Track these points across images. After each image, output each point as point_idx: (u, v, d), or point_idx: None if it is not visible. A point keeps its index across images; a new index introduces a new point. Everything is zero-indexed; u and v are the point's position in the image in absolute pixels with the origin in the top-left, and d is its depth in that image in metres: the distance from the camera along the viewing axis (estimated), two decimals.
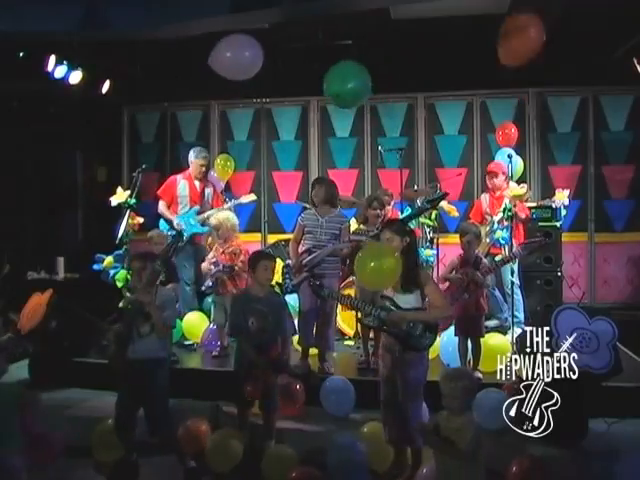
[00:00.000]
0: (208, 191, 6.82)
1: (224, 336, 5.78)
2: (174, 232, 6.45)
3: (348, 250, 5.29)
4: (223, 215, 5.97)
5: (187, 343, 6.21)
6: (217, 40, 5.75)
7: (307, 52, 7.20)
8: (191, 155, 6.75)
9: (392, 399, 3.81)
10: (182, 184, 6.68)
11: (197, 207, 6.61)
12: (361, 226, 5.60)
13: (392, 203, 6.27)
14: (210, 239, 6.80)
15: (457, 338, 5.08)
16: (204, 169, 6.75)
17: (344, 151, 8.03)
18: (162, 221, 6.66)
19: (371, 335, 5.44)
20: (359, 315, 5.49)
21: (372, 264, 3.64)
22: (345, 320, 6.31)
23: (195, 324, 6.25)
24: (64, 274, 7.91)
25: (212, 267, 5.73)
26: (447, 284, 5.12)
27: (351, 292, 5.86)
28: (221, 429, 4.26)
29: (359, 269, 3.78)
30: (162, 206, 6.66)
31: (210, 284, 5.83)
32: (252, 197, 6.98)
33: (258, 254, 4.53)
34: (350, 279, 6.01)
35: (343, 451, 3.92)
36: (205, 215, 6.50)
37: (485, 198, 6.61)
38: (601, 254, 7.58)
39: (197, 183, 6.73)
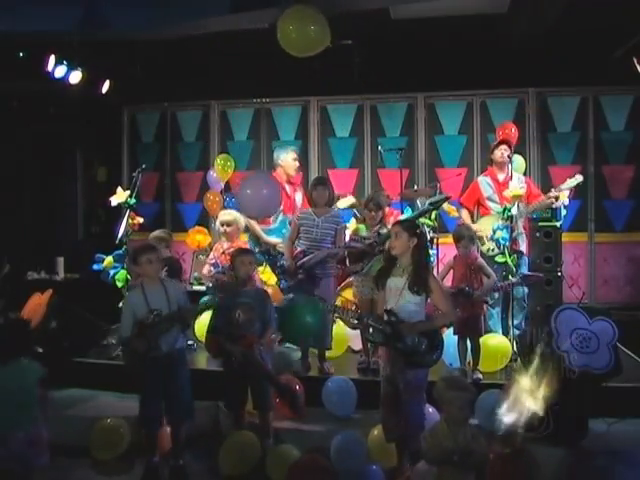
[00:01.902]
0: (299, 195, 6.28)
1: None
2: (261, 253, 5.71)
3: (343, 253, 5.31)
4: (236, 213, 5.91)
5: (187, 343, 6.20)
6: (217, 40, 5.77)
7: None
8: (279, 155, 6.29)
9: (393, 399, 3.80)
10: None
11: (289, 216, 6.02)
12: (360, 226, 5.60)
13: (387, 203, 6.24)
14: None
15: (457, 338, 5.07)
16: (297, 164, 6.27)
17: (344, 151, 8.03)
18: (249, 239, 6.13)
19: None
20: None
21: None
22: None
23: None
24: (64, 274, 7.92)
25: (212, 268, 5.70)
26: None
27: (349, 293, 5.88)
28: (238, 431, 4.23)
29: None
30: (252, 223, 6.02)
31: (210, 284, 5.79)
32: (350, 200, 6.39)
33: (236, 252, 4.58)
34: (349, 280, 6.01)
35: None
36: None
37: (487, 183, 6.11)
38: (601, 254, 7.58)
39: (288, 188, 6.23)
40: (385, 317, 3.78)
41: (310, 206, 5.42)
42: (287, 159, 6.27)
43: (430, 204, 5.58)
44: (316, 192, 5.35)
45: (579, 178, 5.82)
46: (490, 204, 6.08)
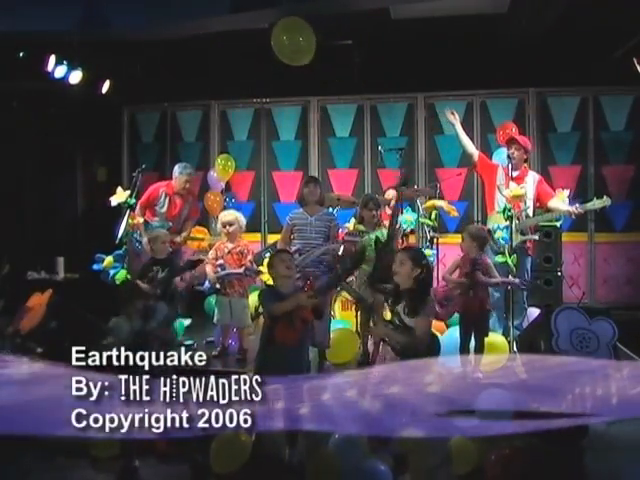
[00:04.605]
0: (187, 207, 6.64)
1: (226, 336, 5.77)
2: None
3: (338, 248, 5.34)
4: (236, 213, 5.92)
5: (187, 343, 6.20)
6: (217, 40, 5.78)
7: None
8: (176, 170, 6.58)
9: None
10: (163, 199, 6.51)
11: (169, 224, 6.45)
12: (358, 226, 5.61)
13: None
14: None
15: (458, 337, 5.06)
16: (188, 185, 6.56)
17: (344, 151, 8.03)
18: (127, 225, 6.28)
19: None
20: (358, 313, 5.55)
21: None
22: (345, 319, 6.30)
23: None
24: (64, 274, 7.91)
25: (218, 269, 5.66)
26: (445, 284, 5.13)
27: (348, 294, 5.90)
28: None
29: None
30: (137, 211, 6.34)
31: (217, 286, 5.75)
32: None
33: (275, 252, 4.58)
34: (348, 280, 6.01)
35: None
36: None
37: (502, 171, 5.85)
38: (601, 254, 7.58)
39: (178, 200, 6.56)
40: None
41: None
42: (179, 179, 6.51)
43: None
44: (307, 189, 5.40)
45: (607, 201, 5.58)
46: (498, 195, 5.87)
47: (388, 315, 5.36)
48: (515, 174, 5.82)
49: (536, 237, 5.79)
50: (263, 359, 4.06)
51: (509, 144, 5.89)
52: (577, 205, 5.64)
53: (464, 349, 5.02)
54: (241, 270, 5.55)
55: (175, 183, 6.56)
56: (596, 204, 5.60)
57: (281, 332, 3.91)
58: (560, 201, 5.75)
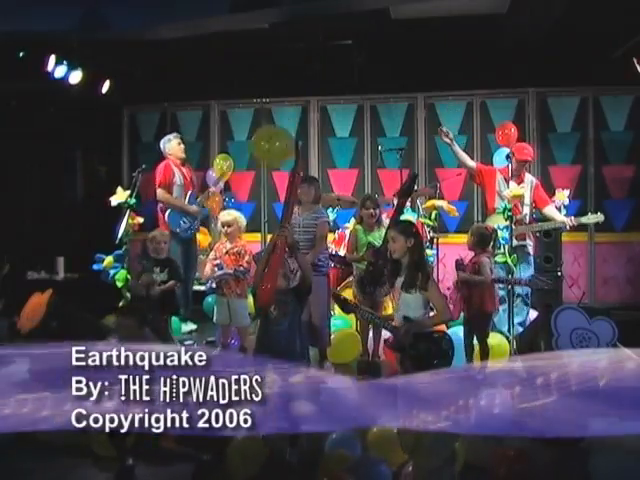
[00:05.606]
0: (194, 175, 6.95)
1: (226, 336, 5.77)
2: (189, 222, 6.52)
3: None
4: (236, 213, 5.92)
5: (187, 343, 6.20)
6: (217, 40, 5.77)
7: (307, 52, 7.22)
8: (165, 145, 6.71)
9: None
10: (177, 173, 6.67)
11: (192, 192, 6.71)
12: (357, 226, 5.61)
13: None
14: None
15: (462, 337, 5.05)
16: (183, 146, 6.73)
17: (344, 151, 8.03)
18: (172, 214, 6.55)
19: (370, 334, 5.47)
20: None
21: None
22: (345, 319, 6.30)
23: None
24: (64, 274, 7.91)
25: (215, 269, 5.66)
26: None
27: (349, 293, 5.89)
28: None
29: None
30: (165, 196, 6.54)
31: (214, 285, 5.75)
32: None
33: None
34: (349, 280, 6.03)
35: None
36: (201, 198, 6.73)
37: (501, 179, 6.02)
38: (601, 254, 7.58)
39: (185, 169, 6.78)
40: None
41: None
42: (172, 146, 6.69)
43: (402, 194, 5.51)
44: (301, 190, 5.39)
45: (600, 217, 5.84)
46: (498, 199, 6.01)
47: (389, 310, 5.43)
48: (513, 179, 5.91)
49: (530, 244, 5.96)
50: (259, 333, 4.17)
51: (517, 162, 5.97)
52: (572, 217, 5.83)
53: (466, 348, 5.03)
54: (231, 271, 5.55)
55: (173, 155, 6.68)
56: (591, 219, 5.86)
57: (262, 285, 4.01)
58: (556, 210, 5.90)
